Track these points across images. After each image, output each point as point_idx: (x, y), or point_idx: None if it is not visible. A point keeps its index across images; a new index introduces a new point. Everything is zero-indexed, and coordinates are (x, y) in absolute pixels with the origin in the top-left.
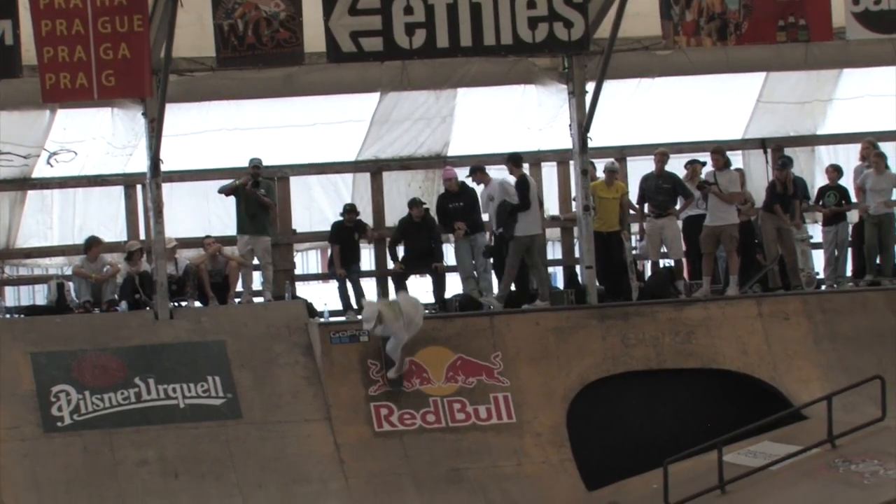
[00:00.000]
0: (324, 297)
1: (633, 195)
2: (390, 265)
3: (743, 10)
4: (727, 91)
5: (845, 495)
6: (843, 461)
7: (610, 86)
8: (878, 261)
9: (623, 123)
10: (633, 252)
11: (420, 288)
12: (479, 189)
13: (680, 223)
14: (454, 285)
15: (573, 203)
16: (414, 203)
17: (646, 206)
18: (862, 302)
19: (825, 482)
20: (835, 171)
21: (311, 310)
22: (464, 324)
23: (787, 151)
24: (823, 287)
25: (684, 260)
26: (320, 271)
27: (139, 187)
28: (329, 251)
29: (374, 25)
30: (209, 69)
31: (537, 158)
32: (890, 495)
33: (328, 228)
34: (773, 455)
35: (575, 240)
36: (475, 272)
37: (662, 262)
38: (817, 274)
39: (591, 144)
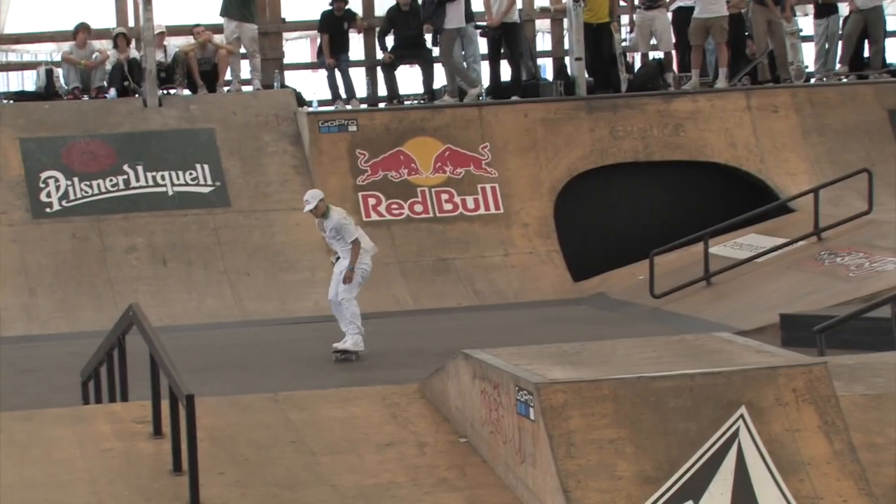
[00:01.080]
0: (313, 86)
1: None
2: (379, 55)
3: None
4: None
5: (831, 287)
6: (828, 254)
7: None
8: (866, 53)
9: None
10: (623, 44)
11: (409, 77)
12: None
13: (670, 15)
14: (443, 75)
15: None
16: None
17: None
18: (851, 95)
19: (811, 274)
20: None
21: (299, 99)
22: (452, 114)
23: None
24: (813, 80)
25: (674, 52)
26: (310, 60)
27: None
28: (318, 40)
29: None
30: None
31: None
32: (874, 287)
33: (318, 17)
34: (759, 247)
35: (565, 31)
36: (465, 63)
37: (652, 55)
38: (807, 67)
39: None
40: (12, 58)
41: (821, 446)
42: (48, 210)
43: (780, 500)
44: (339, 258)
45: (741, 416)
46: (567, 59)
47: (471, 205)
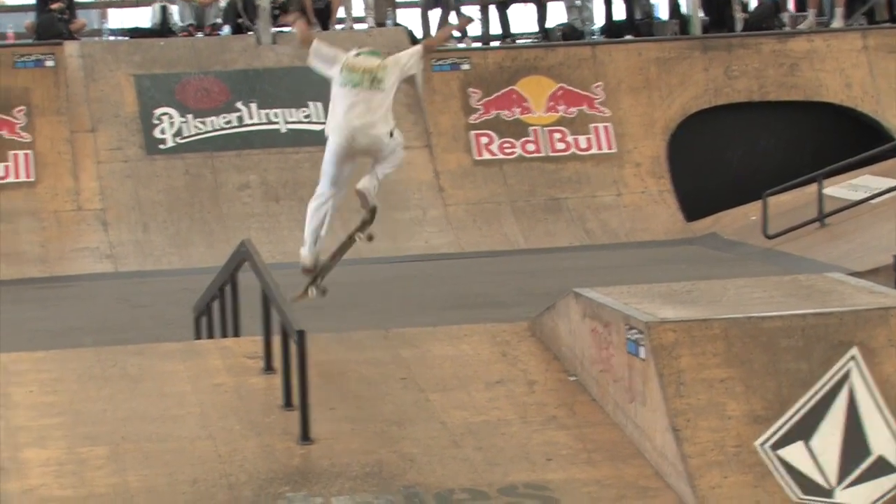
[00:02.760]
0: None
1: None
2: None
3: None
4: None
5: None
6: None
7: None
8: None
9: None
10: None
11: (523, 16)
12: None
13: None
14: (557, 14)
15: None
16: None
17: None
18: None
19: None
20: None
21: (412, 37)
22: (566, 53)
23: None
24: None
25: None
26: None
27: None
28: None
29: None
30: None
31: None
32: None
33: None
34: (873, 188)
35: None
36: (578, 1)
37: None
38: None
39: None
40: None
41: None
42: (162, 146)
43: (891, 442)
44: None
45: (853, 356)
46: None
47: (583, 144)
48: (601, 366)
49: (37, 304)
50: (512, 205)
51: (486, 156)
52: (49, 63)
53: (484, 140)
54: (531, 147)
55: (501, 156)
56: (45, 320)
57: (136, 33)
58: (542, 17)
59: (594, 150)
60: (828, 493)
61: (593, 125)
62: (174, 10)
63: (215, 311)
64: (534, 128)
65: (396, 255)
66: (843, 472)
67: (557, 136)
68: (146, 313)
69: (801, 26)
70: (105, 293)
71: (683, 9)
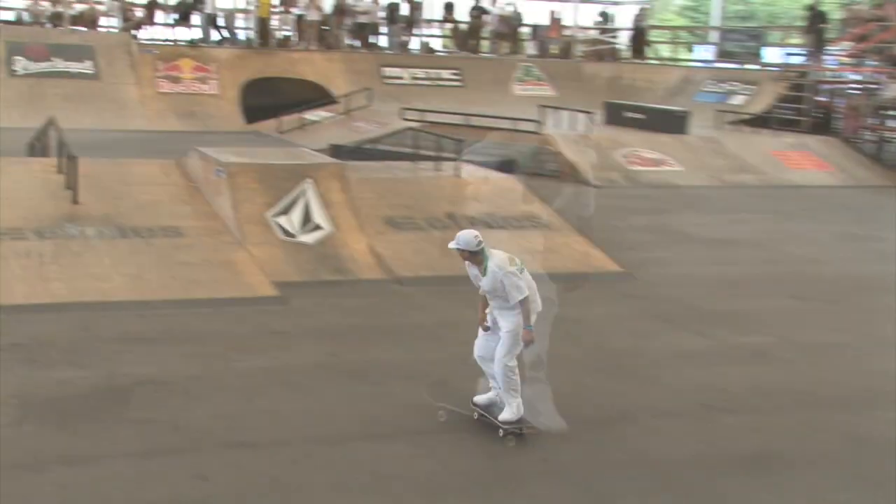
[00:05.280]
0: None
1: None
2: None
3: None
4: None
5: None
6: None
7: None
8: None
9: None
10: None
11: None
12: None
13: None
14: None
15: None
16: None
17: None
18: None
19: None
20: None
21: None
22: None
23: None
24: None
25: None
26: None
27: None
28: None
29: None
30: None
31: None
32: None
33: None
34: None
35: None
36: None
37: None
38: None
39: None
40: None
41: (339, 195)
42: None
43: (322, 218)
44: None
45: (309, 181)
46: None
47: None
48: (208, 180)
49: None
50: None
51: None
52: None
53: None
54: None
55: None
56: None
57: None
58: None
59: None
60: (293, 236)
61: None
62: None
63: None
64: None
65: None
66: (302, 227)
67: None
68: None
69: None
70: None
71: None
